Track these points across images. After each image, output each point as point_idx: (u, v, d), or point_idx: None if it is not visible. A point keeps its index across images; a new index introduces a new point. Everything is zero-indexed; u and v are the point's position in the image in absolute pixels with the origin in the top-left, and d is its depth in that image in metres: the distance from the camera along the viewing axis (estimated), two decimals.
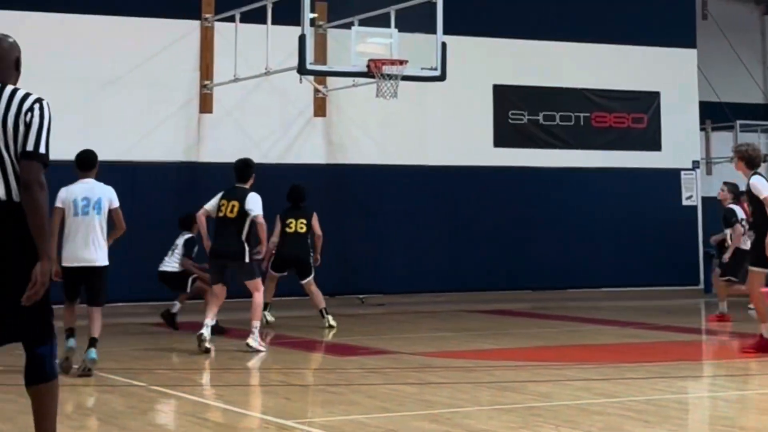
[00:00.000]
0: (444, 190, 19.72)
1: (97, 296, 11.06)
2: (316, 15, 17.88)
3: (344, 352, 12.64)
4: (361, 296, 18.87)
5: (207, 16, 18.62)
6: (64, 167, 15.46)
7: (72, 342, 10.95)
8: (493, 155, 20.39)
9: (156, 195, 17.76)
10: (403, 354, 12.31)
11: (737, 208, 16.23)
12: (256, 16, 17.16)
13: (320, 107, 19.28)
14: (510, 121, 20.85)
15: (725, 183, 16.88)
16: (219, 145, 18.31)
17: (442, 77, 16.24)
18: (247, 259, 12.61)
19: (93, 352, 10.80)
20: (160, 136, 18.03)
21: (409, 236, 19.30)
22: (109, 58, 17.79)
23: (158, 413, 9.17)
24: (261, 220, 12.56)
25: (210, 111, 18.43)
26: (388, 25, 16.62)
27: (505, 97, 20.85)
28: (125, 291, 17.30)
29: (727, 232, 16.51)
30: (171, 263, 15.21)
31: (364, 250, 18.93)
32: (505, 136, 20.72)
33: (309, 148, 19.09)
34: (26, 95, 5.85)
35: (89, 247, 11.09)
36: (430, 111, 19.87)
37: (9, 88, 5.88)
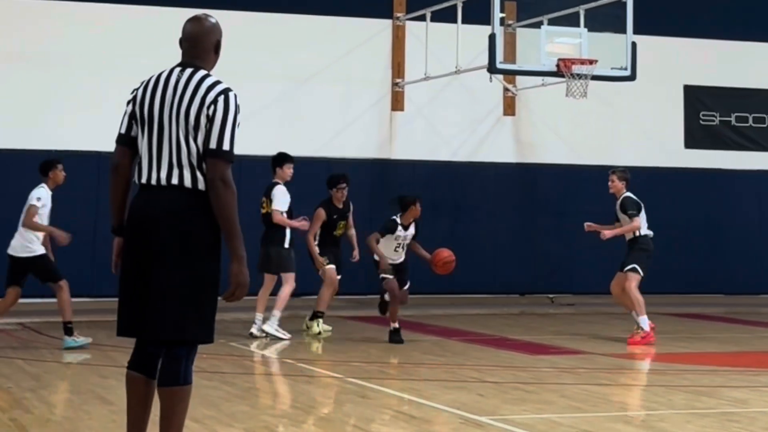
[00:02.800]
0: (634, 191, 19.43)
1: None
2: (505, 14, 17.94)
3: (535, 351, 12.65)
4: (551, 296, 18.85)
5: (399, 15, 18.87)
6: (263, 162, 15.99)
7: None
8: (684, 156, 20.12)
9: (350, 190, 18.05)
10: (594, 354, 12.27)
11: None
12: (446, 15, 17.33)
13: (510, 106, 19.34)
14: (701, 122, 20.54)
15: (614, 171, 14.33)
16: (410, 142, 18.57)
17: (632, 77, 16.14)
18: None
19: None
20: (353, 133, 18.35)
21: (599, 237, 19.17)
22: (304, 56, 18.21)
23: (355, 405, 9.34)
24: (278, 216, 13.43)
25: (401, 109, 18.69)
26: (577, 25, 16.59)
27: (697, 98, 20.55)
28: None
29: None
30: None
31: (553, 250, 18.91)
32: (696, 138, 20.43)
33: (498, 147, 19.16)
34: (213, 85, 5.60)
35: None
36: (620, 111, 19.72)
37: (199, 74, 5.65)
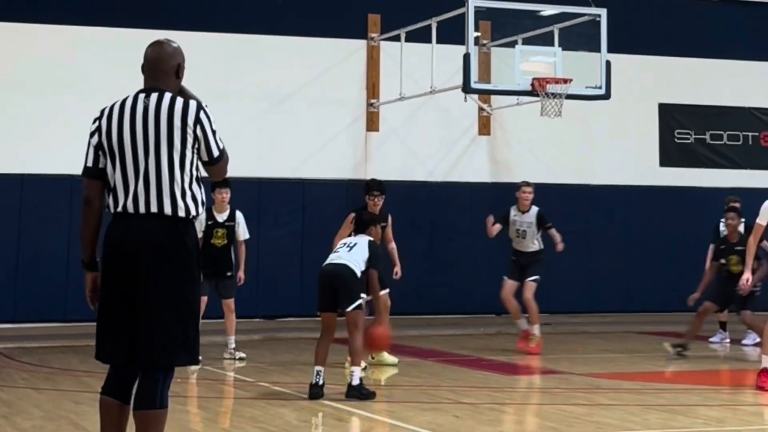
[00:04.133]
0: (609, 210, 19.57)
1: None
2: (479, 34, 17.95)
3: (512, 371, 12.62)
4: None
5: (373, 35, 18.87)
6: (238, 184, 15.94)
7: None
8: (659, 175, 20.15)
9: (325, 211, 18.05)
10: (571, 374, 12.25)
11: None
12: (420, 36, 17.33)
13: (485, 126, 19.34)
14: (676, 140, 20.60)
15: (528, 183, 14.84)
16: (385, 163, 18.53)
17: (606, 96, 16.17)
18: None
19: None
20: (328, 154, 18.32)
21: (575, 255, 19.06)
22: (279, 78, 18.18)
23: (331, 428, 9.31)
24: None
25: (376, 129, 18.68)
26: (551, 44, 16.62)
27: (671, 116, 20.61)
28: (295, 306, 17.65)
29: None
30: None
31: None
32: (671, 156, 20.48)
33: (474, 167, 19.15)
34: (186, 106, 5.69)
35: None
36: (595, 130, 19.75)
37: (166, 98, 5.71)
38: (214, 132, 5.75)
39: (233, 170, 15.73)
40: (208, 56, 17.23)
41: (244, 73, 18.04)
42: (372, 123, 18.71)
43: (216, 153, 5.77)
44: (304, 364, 13.29)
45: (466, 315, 18.49)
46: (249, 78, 18.07)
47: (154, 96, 5.69)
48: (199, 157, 5.77)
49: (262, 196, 17.55)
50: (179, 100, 5.70)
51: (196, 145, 5.70)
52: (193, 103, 5.71)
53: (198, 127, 5.68)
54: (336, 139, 18.49)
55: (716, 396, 10.94)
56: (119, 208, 5.67)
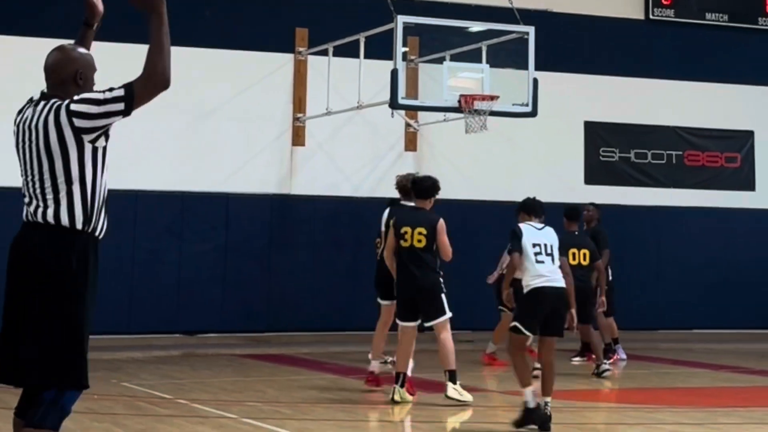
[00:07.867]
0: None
1: None
2: (407, 49, 17.91)
3: (433, 389, 12.57)
4: None
5: (300, 49, 18.77)
6: (162, 197, 15.78)
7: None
8: (584, 192, 20.19)
9: (249, 226, 17.91)
10: (492, 392, 12.24)
11: None
12: (348, 50, 17.26)
13: (411, 141, 19.31)
14: (601, 158, 20.73)
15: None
16: (311, 178, 18.44)
17: (533, 113, 16.18)
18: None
19: None
20: (253, 169, 18.17)
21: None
22: (204, 91, 17.98)
23: None
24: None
25: (302, 144, 18.56)
26: (479, 60, 16.61)
27: (597, 134, 20.73)
28: (216, 321, 17.49)
29: None
30: None
31: (453, 286, 18.79)
32: (596, 174, 20.59)
33: None
34: (58, 107, 5.38)
35: None
36: (522, 147, 19.79)
37: (50, 103, 5.44)
38: (94, 99, 5.37)
39: (157, 184, 15.55)
40: (133, 68, 16.98)
41: (170, 87, 17.83)
42: (298, 137, 18.58)
43: (110, 96, 5.44)
44: (223, 380, 13.16)
45: (392, 332, 18.38)
46: (175, 91, 17.55)
47: (41, 104, 5.48)
48: (120, 114, 5.51)
49: (185, 209, 17.34)
50: (55, 105, 5.40)
51: (92, 137, 5.37)
52: (64, 103, 5.38)
53: (75, 119, 5.33)
54: (261, 153, 18.35)
55: (636, 414, 10.97)
56: (23, 218, 5.54)
